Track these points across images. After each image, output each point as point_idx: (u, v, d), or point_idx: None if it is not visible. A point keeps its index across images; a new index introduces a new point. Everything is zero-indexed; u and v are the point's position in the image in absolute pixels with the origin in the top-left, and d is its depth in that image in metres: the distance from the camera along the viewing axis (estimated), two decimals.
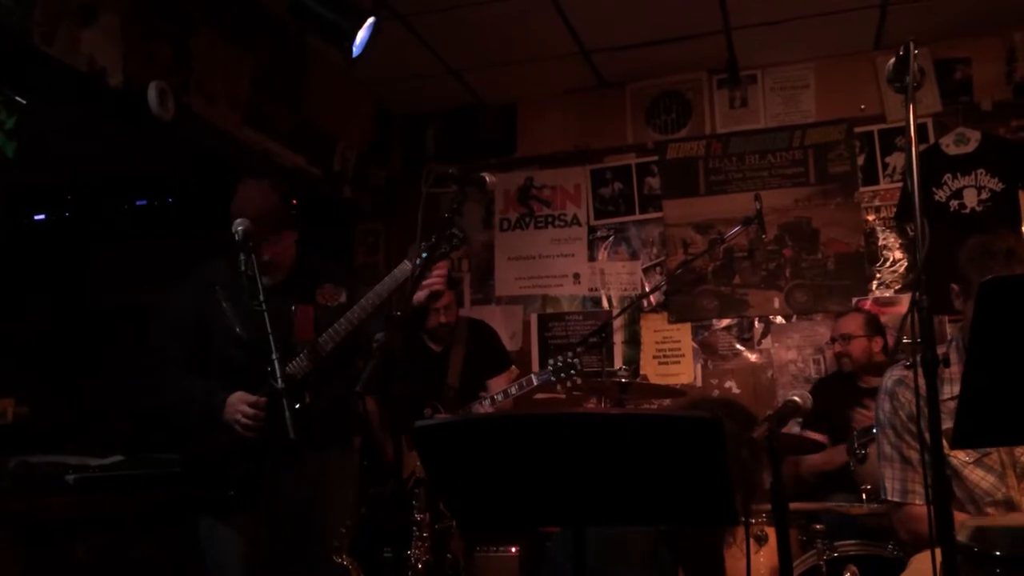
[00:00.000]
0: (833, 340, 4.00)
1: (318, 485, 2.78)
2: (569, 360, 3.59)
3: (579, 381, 3.69)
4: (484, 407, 3.69)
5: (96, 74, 3.06)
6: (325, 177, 4.60)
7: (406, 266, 2.57)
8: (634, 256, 4.88)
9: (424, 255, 2.38)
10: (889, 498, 2.32)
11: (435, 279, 2.62)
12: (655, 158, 4.88)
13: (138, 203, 5.37)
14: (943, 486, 1.64)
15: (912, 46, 1.88)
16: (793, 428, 4.20)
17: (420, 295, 2.61)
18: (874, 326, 3.93)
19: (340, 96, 4.66)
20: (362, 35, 3.20)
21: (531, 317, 4.97)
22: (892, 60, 1.93)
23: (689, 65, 4.75)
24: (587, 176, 4.98)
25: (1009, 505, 2.17)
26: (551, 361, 3.65)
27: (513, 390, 3.72)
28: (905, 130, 1.89)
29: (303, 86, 4.28)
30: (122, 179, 5.22)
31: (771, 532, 2.97)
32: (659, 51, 4.53)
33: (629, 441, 1.82)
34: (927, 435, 1.87)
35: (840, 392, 3.88)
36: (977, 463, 2.20)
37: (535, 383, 3.68)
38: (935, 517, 1.61)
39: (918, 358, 1.70)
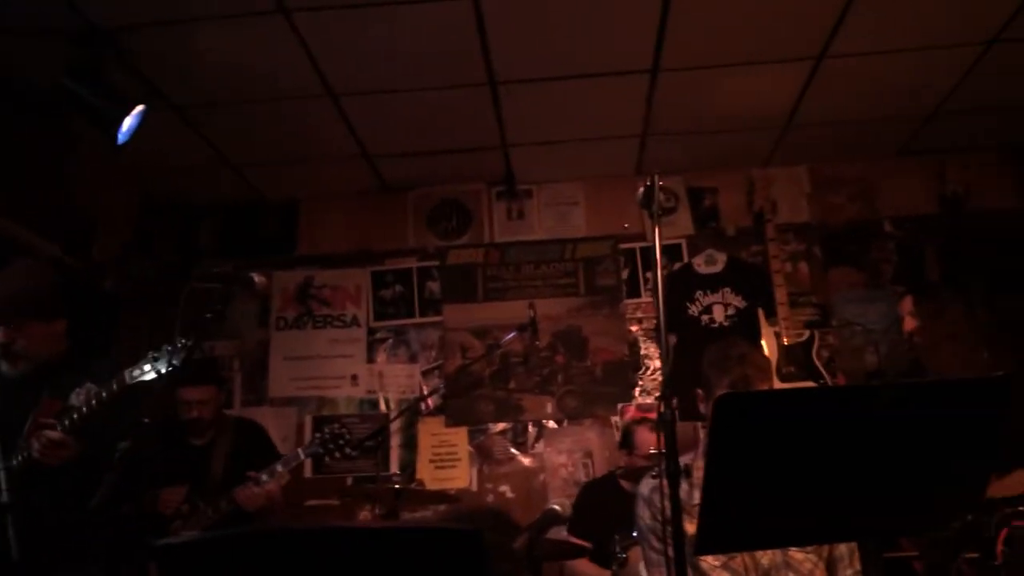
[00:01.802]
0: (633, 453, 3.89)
1: None
2: (336, 431, 3.45)
3: (349, 452, 3.52)
4: (249, 489, 3.40)
5: None
6: (84, 267, 4.27)
7: (143, 371, 2.38)
8: (413, 359, 4.88)
9: (147, 370, 2.22)
10: None
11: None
12: (436, 263, 4.98)
13: None
14: None
15: (656, 178, 2.06)
16: (560, 533, 4.30)
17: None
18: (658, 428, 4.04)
19: (105, 183, 4.39)
20: (130, 123, 3.06)
21: (305, 419, 4.80)
22: (641, 188, 2.10)
23: (470, 176, 4.94)
24: (368, 278, 4.98)
25: None
26: (318, 434, 3.50)
27: (280, 467, 3.48)
28: (652, 251, 2.05)
29: (64, 170, 4.00)
30: None
31: None
32: (441, 160, 4.69)
33: (391, 555, 1.77)
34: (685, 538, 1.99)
35: (606, 496, 4.01)
36: (724, 566, 2.33)
37: (302, 457, 3.49)
38: None
39: (662, 468, 1.81)
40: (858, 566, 2.32)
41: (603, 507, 3.88)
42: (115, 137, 3.07)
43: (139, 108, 3.11)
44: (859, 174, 4.89)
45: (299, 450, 3.52)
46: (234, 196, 4.94)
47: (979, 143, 4.74)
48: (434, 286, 4.96)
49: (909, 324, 3.53)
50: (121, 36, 3.27)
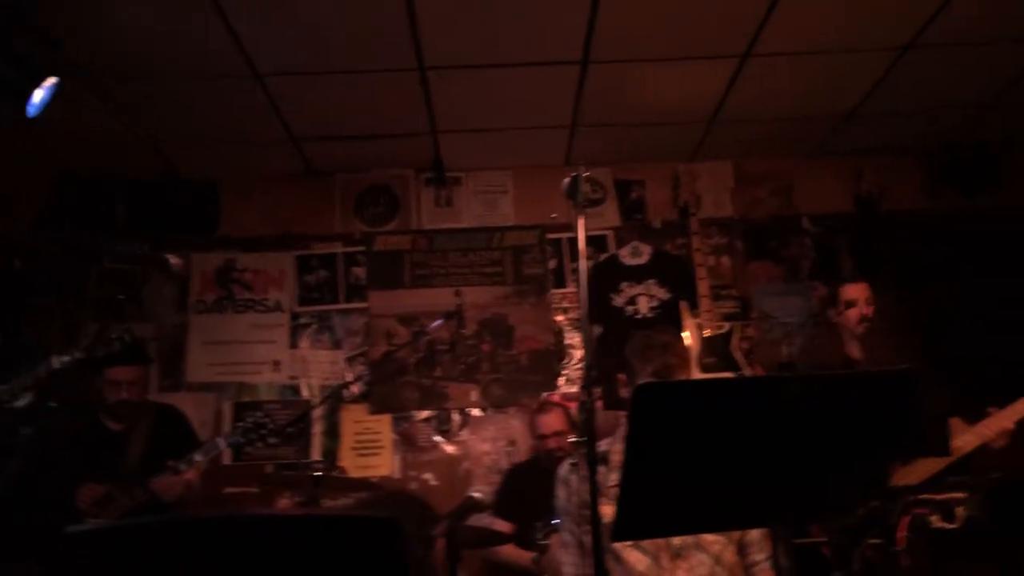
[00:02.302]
0: (542, 437, 4.01)
1: None
2: (259, 420, 3.40)
3: (272, 441, 3.48)
4: (167, 479, 3.31)
5: None
6: None
7: (73, 356, 2.30)
8: (337, 345, 4.82)
9: (77, 355, 2.15)
10: None
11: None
12: (362, 248, 4.92)
13: None
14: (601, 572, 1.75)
15: (582, 170, 2.07)
16: (483, 519, 4.31)
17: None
18: (572, 419, 4.14)
19: (15, 158, 4.20)
20: (41, 95, 2.93)
21: (225, 405, 4.70)
22: (567, 179, 2.11)
23: (398, 162, 4.89)
24: (292, 262, 4.90)
25: None
26: (239, 423, 3.44)
27: (199, 456, 3.40)
28: (575, 243, 2.07)
29: None
30: None
31: None
32: (369, 145, 4.63)
33: (309, 543, 1.75)
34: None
35: (531, 478, 4.04)
36: (635, 546, 2.38)
37: (222, 447, 3.42)
38: None
39: (582, 454, 1.83)
40: (769, 551, 2.39)
41: (527, 491, 3.91)
42: (25, 110, 2.93)
43: (51, 80, 2.98)
44: (780, 171, 5.02)
45: (219, 439, 3.46)
46: (151, 174, 4.79)
47: (894, 146, 4.90)
48: (360, 272, 4.90)
49: (865, 310, 3.61)
50: (32, 5, 3.13)
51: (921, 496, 2.45)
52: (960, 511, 2.37)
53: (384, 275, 4.90)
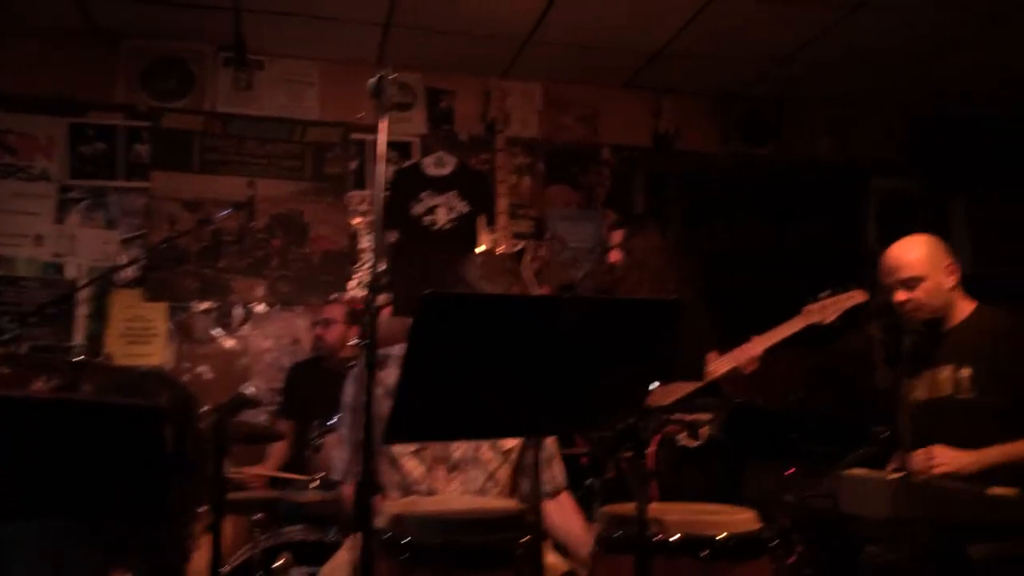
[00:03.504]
0: (315, 324, 4.16)
1: None
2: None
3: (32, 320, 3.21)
4: None
5: None
6: None
7: None
8: (112, 225, 4.48)
9: None
10: (335, 477, 2.46)
11: None
12: (147, 124, 4.55)
13: None
14: (368, 474, 1.77)
15: (389, 71, 2.01)
16: (260, 416, 4.26)
17: None
18: (353, 317, 4.15)
19: None
20: None
21: None
22: (374, 79, 2.04)
23: (196, 35, 4.53)
24: (65, 129, 4.44)
25: (433, 494, 2.44)
26: None
27: None
28: (377, 147, 2.01)
29: None
30: None
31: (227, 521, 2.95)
32: (164, 12, 4.24)
33: (61, 428, 1.65)
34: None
35: (311, 376, 4.02)
36: (415, 453, 2.43)
37: None
38: (356, 503, 1.74)
39: (362, 358, 1.83)
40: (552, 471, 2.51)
41: (308, 390, 3.89)
42: None
43: None
44: (588, 99, 5.13)
45: None
46: None
47: (693, 89, 5.15)
48: (143, 149, 4.54)
49: (615, 256, 3.77)
50: None
51: (673, 416, 2.67)
52: (704, 431, 2.62)
53: (170, 156, 4.57)
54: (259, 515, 2.83)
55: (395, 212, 4.75)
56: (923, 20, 4.24)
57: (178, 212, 4.53)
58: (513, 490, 2.50)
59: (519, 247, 4.59)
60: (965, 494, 2.15)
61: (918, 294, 2.73)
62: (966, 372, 2.63)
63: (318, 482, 3.11)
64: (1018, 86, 4.94)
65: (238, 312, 4.57)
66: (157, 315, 4.45)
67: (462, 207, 4.84)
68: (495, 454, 2.47)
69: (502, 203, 4.61)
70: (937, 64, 4.72)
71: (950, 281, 2.74)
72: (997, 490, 2.19)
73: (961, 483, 2.28)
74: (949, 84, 4.97)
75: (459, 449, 2.45)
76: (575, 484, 2.61)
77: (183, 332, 4.49)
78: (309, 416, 3.72)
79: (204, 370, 4.47)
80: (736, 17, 4.20)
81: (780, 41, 4.53)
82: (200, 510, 2.50)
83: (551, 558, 2.27)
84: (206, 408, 2.06)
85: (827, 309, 3.26)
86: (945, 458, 2.41)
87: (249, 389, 1.98)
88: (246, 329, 4.57)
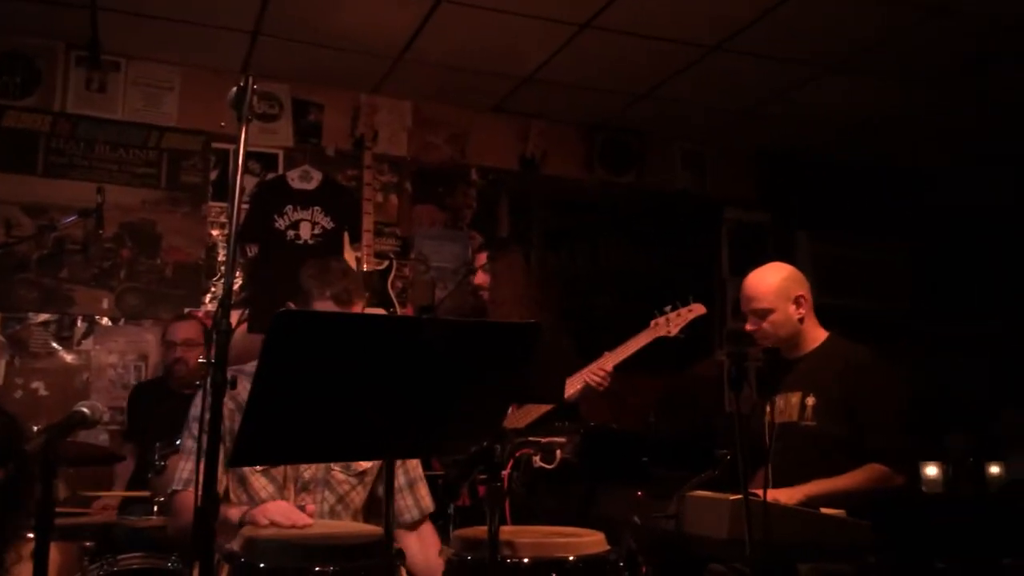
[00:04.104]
0: (172, 345, 3.89)
1: None
2: None
3: None
4: None
5: None
6: None
7: None
8: None
9: None
10: (175, 487, 2.34)
11: None
12: None
13: None
14: (210, 498, 1.69)
15: (251, 80, 1.95)
16: (101, 436, 4.02)
17: None
18: (208, 335, 3.97)
19: None
20: None
21: None
22: (235, 88, 1.98)
23: (46, 31, 4.28)
24: None
25: None
26: None
27: None
28: (235, 158, 1.96)
29: None
30: None
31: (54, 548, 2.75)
32: (14, 5, 3.99)
33: None
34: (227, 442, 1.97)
35: (157, 397, 3.84)
36: (264, 472, 2.35)
37: None
38: (197, 528, 1.66)
39: (208, 380, 1.75)
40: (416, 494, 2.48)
41: (152, 411, 3.71)
42: None
43: None
44: (458, 120, 5.16)
45: None
46: None
47: (560, 116, 5.27)
48: None
49: (480, 278, 3.80)
50: None
51: (528, 438, 2.70)
52: (559, 453, 2.66)
53: (12, 156, 4.28)
54: (89, 543, 2.65)
55: (257, 225, 4.61)
56: (770, 66, 4.51)
57: (17, 216, 4.25)
58: (369, 512, 2.46)
59: (384, 265, 4.56)
60: (796, 514, 2.27)
61: (765, 325, 2.87)
62: (810, 400, 2.76)
63: (157, 507, 2.96)
64: (856, 131, 5.33)
65: (80, 325, 4.31)
66: None
67: (327, 223, 4.75)
68: (348, 476, 2.42)
69: (368, 220, 4.56)
70: (783, 107, 5.03)
71: (798, 313, 2.86)
72: (826, 511, 2.32)
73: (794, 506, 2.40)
74: (794, 126, 5.30)
75: (309, 469, 2.39)
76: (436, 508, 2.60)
77: (18, 345, 4.19)
78: (153, 438, 3.54)
79: (39, 386, 4.19)
80: (604, 48, 4.34)
81: (643, 75, 4.71)
82: (24, 537, 2.33)
83: None
84: (37, 428, 1.93)
85: (671, 322, 3.40)
86: (779, 496, 2.47)
87: (85, 408, 1.86)
88: (88, 343, 4.31)
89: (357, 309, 2.43)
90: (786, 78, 4.68)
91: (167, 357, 3.92)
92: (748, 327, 2.88)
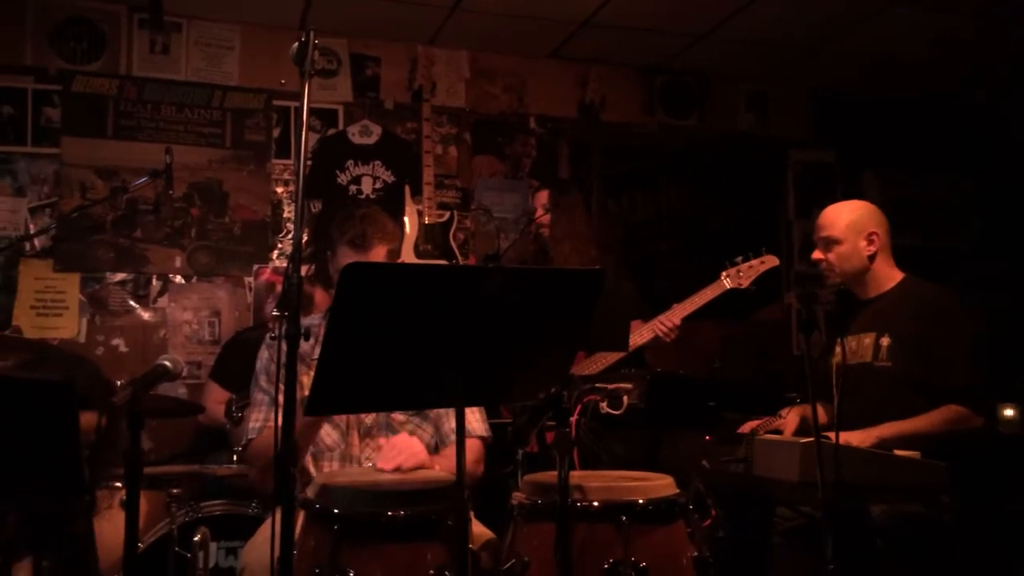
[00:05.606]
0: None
1: None
2: None
3: None
4: None
5: None
6: None
7: None
8: (20, 192, 4.29)
9: None
10: (249, 438, 2.43)
11: None
12: (58, 87, 4.35)
13: None
14: (289, 447, 1.74)
15: (312, 35, 1.96)
16: (180, 390, 4.17)
17: None
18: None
19: None
20: None
21: None
22: (296, 43, 2.00)
23: None
24: None
25: (346, 459, 2.44)
26: None
27: None
28: (300, 113, 1.98)
29: None
30: None
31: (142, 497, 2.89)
32: None
33: None
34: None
35: (244, 351, 3.95)
36: (327, 419, 2.43)
37: None
38: (277, 475, 1.71)
39: (283, 330, 1.80)
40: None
41: (240, 361, 3.81)
42: None
43: None
44: (515, 69, 5.11)
45: None
46: None
47: (620, 60, 5.17)
48: (53, 113, 4.35)
49: (542, 217, 3.81)
50: None
51: (595, 385, 2.71)
52: (626, 399, 2.67)
53: (83, 121, 4.39)
54: (176, 490, 2.77)
55: (320, 181, 4.66)
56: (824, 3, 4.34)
57: (91, 179, 4.37)
58: (435, 451, 2.50)
59: (445, 218, 4.58)
60: (869, 456, 2.24)
61: (831, 256, 2.82)
62: (885, 341, 2.71)
63: (236, 456, 3.07)
64: (921, 68, 5.11)
65: (155, 284, 4.44)
66: (69, 286, 4.30)
67: (387, 176, 4.78)
68: (408, 417, 2.47)
69: (428, 173, 4.58)
70: (846, 43, 4.85)
71: (869, 249, 2.80)
72: (900, 453, 2.29)
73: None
74: (858, 64, 5.12)
75: (370, 415, 2.45)
76: (503, 456, 2.64)
77: (97, 304, 4.35)
78: (238, 386, 3.65)
79: (119, 343, 4.35)
80: None
81: (702, 15, 4.58)
82: (112, 485, 2.45)
83: (477, 528, 2.29)
84: (121, 382, 2.01)
85: (743, 274, 3.35)
86: (850, 439, 2.44)
87: (167, 362, 1.94)
88: (163, 301, 4.45)
89: (378, 252, 2.45)
90: (850, 12, 4.50)
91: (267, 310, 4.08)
92: (814, 256, 2.85)
